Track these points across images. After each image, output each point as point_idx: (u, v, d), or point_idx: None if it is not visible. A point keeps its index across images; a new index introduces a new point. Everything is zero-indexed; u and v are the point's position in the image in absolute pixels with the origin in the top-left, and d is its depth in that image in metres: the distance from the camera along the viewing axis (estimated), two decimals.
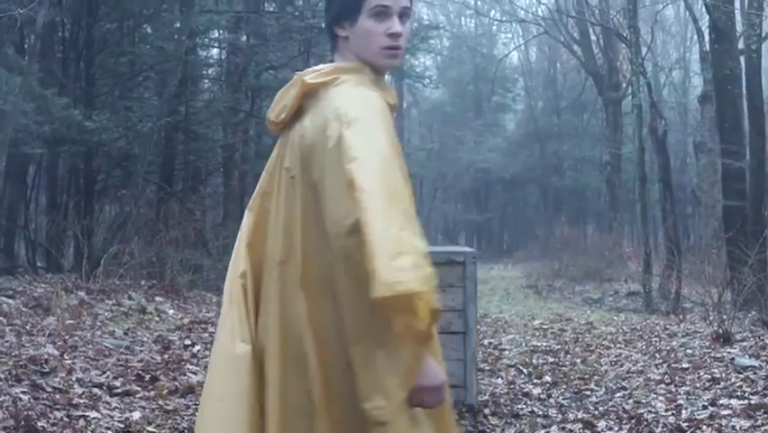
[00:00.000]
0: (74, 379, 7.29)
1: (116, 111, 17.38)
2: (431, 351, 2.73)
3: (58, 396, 6.65)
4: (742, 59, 16.25)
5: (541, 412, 7.16)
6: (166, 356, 8.90)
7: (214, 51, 25.42)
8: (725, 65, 15.87)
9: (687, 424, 6.19)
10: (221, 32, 22.65)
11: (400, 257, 2.50)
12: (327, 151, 2.72)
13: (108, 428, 6.04)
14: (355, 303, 2.65)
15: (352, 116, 2.72)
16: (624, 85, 31.85)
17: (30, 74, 14.36)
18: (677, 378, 8.08)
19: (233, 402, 2.96)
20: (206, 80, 24.27)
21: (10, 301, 11.06)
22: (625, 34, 22.00)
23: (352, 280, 2.62)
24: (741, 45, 17.31)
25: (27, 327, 9.43)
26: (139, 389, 7.39)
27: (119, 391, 7.22)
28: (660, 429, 6.14)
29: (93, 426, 6.04)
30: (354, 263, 2.58)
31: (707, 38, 19.40)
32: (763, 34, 18.19)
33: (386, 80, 3.13)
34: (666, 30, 41.32)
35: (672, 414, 6.60)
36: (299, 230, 2.90)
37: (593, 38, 33.99)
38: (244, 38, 21.54)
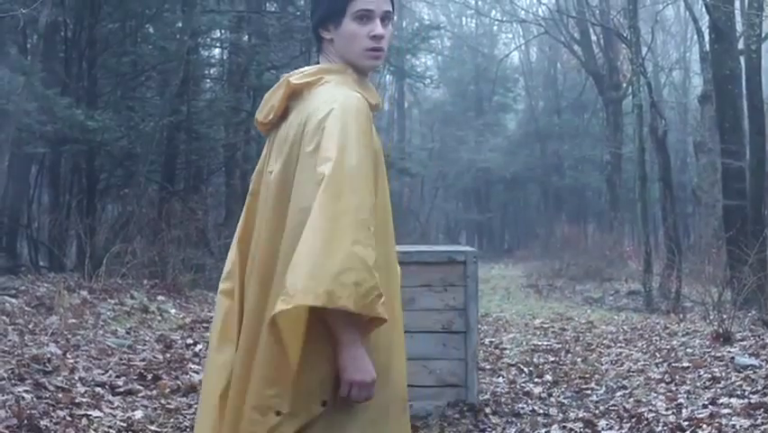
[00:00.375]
0: (76, 378, 7.30)
1: (119, 110, 17.39)
2: (366, 347, 2.84)
3: (60, 395, 6.65)
4: (742, 59, 16.25)
5: (542, 411, 7.17)
6: (168, 355, 8.91)
7: (216, 51, 25.42)
8: (725, 65, 15.86)
9: (687, 423, 6.19)
10: (223, 31, 22.66)
11: (347, 273, 2.65)
12: (305, 153, 2.87)
13: (111, 427, 6.05)
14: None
15: (331, 121, 2.84)
16: (624, 85, 31.82)
17: (32, 74, 14.36)
18: (677, 377, 8.08)
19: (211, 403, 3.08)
20: (208, 80, 24.27)
21: (13, 300, 11.07)
22: (625, 34, 21.99)
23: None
24: (741, 45, 17.30)
25: (30, 327, 9.43)
26: (141, 388, 7.40)
27: (121, 389, 7.23)
28: (660, 428, 6.14)
29: (95, 425, 6.05)
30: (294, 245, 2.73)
31: (707, 38, 19.39)
32: (763, 35, 18.18)
33: (368, 80, 3.20)
34: (666, 30, 41.32)
35: (673, 413, 6.60)
36: (266, 228, 3.02)
37: (593, 38, 33.97)
38: (246, 38, 21.54)
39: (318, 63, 3.18)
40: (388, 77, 38.03)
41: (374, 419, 2.93)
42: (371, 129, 2.96)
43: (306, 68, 3.14)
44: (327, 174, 2.75)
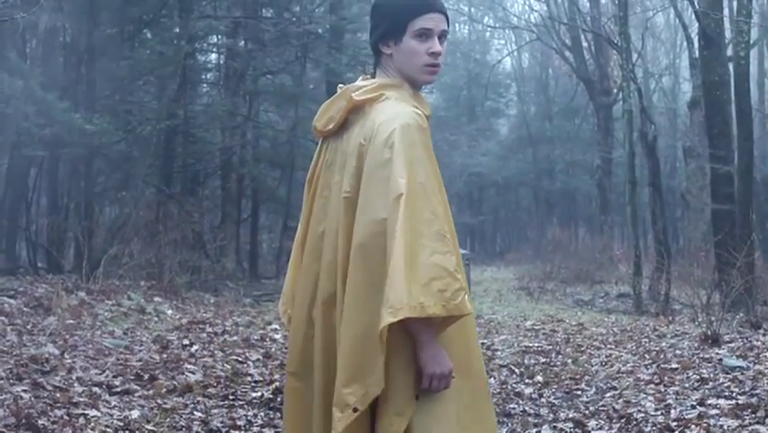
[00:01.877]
0: (74, 378, 7.28)
1: (116, 114, 17.39)
2: (440, 341, 3.03)
3: (58, 394, 6.64)
4: (730, 65, 16.29)
5: (532, 412, 7.17)
6: (164, 356, 8.90)
7: (213, 56, 25.44)
8: (714, 71, 15.88)
9: (676, 423, 6.20)
10: (219, 37, 22.66)
11: (432, 283, 2.88)
12: (373, 165, 3.04)
13: (108, 427, 6.04)
14: (360, 287, 3.01)
15: (398, 138, 3.01)
16: (615, 90, 31.85)
17: (31, 78, 14.36)
18: (666, 378, 8.08)
19: None
20: (205, 84, 24.29)
21: (11, 301, 11.06)
22: (616, 41, 21.98)
23: (364, 272, 2.99)
24: (730, 52, 17.35)
25: (28, 327, 9.43)
26: (138, 388, 7.38)
27: (118, 389, 7.21)
28: (649, 429, 6.15)
29: (92, 424, 6.04)
30: (370, 253, 2.97)
31: (696, 45, 19.44)
32: (752, 41, 18.21)
33: (421, 93, 3.36)
34: (656, 36, 41.40)
35: (662, 414, 6.61)
36: (344, 235, 3.14)
37: (585, 44, 33.99)
38: (242, 43, 21.57)
39: (375, 75, 3.32)
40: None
41: (468, 405, 3.10)
42: (430, 142, 3.16)
43: (366, 82, 3.28)
44: (405, 192, 2.93)
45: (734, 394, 7.03)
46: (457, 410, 3.06)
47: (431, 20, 3.23)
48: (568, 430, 6.28)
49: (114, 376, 7.61)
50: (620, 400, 7.32)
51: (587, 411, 7.04)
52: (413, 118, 3.08)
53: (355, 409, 2.96)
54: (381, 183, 2.99)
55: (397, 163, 2.98)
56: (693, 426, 6.04)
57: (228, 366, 8.59)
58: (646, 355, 9.71)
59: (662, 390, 7.60)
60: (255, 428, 6.51)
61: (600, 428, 6.35)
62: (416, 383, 3.00)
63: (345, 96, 3.25)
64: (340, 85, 3.35)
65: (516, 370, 9.27)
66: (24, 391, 6.53)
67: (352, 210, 3.09)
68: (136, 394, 7.19)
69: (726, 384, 7.47)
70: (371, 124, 3.11)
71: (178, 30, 17.96)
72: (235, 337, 10.63)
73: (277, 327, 11.74)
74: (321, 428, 3.17)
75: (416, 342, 2.98)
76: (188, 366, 8.46)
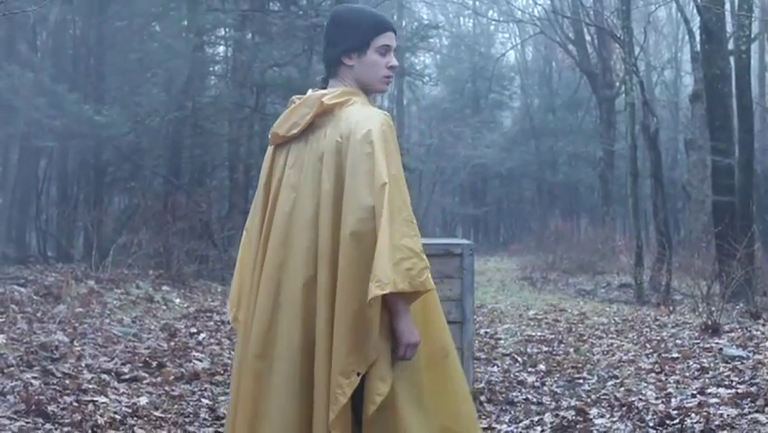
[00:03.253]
0: (83, 365, 7.29)
1: (125, 106, 17.40)
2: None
3: (67, 381, 6.65)
4: (732, 59, 16.24)
5: (535, 400, 7.17)
6: (172, 344, 8.92)
7: (221, 49, 25.40)
8: (715, 65, 15.85)
9: (676, 412, 6.19)
10: (227, 30, 22.61)
11: (401, 262, 3.21)
12: (356, 158, 3.34)
13: (116, 413, 6.04)
14: (353, 271, 3.29)
15: (376, 136, 3.35)
16: (617, 83, 31.76)
17: (42, 70, 14.37)
18: (667, 367, 8.08)
19: None
20: (213, 77, 24.24)
21: (22, 290, 11.09)
22: (618, 34, 21.94)
23: (359, 254, 3.27)
24: (731, 46, 17.30)
25: (38, 315, 9.44)
26: (146, 375, 7.39)
27: (127, 376, 7.22)
28: (650, 417, 6.14)
29: (101, 410, 6.04)
30: (361, 239, 3.26)
31: (698, 38, 19.40)
32: (753, 35, 18.17)
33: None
34: (658, 30, 41.27)
35: (662, 402, 6.60)
36: (329, 223, 3.43)
37: (588, 38, 33.92)
38: (249, 36, 21.52)
39: (326, 86, 3.66)
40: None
41: (407, 364, 3.42)
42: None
43: (330, 90, 3.59)
44: (388, 183, 3.27)
45: (733, 383, 7.03)
46: (400, 367, 3.39)
47: (390, 38, 3.63)
48: (570, 418, 6.27)
49: (122, 363, 7.62)
50: (621, 389, 7.32)
51: (589, 400, 7.04)
52: (384, 119, 3.44)
53: (358, 374, 3.28)
54: (365, 175, 3.30)
55: (378, 157, 3.31)
56: (693, 414, 6.03)
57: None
58: (647, 345, 9.70)
59: (663, 379, 7.60)
60: None
61: (602, 416, 6.34)
62: (392, 352, 3.35)
63: (311, 102, 3.56)
64: (294, 97, 3.68)
65: (519, 358, 9.27)
66: (34, 377, 6.54)
67: (336, 200, 3.39)
68: (144, 381, 7.20)
69: (725, 373, 7.47)
70: (347, 124, 3.43)
71: (186, 23, 17.97)
72: None
73: None
74: (300, 399, 3.41)
75: (394, 314, 3.33)
76: (196, 354, 8.47)
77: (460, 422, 3.58)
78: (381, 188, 3.26)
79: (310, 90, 3.69)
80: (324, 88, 3.64)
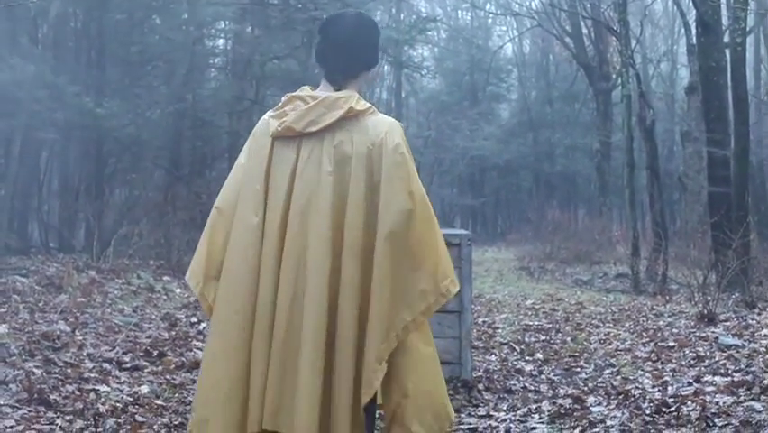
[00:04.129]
0: (85, 354, 7.30)
1: (126, 98, 17.37)
2: None
3: (69, 370, 6.65)
4: (727, 51, 16.20)
5: (532, 388, 7.17)
6: (173, 333, 8.92)
7: (221, 42, 25.37)
8: (711, 57, 15.82)
9: (672, 400, 6.19)
10: (227, 22, 22.60)
11: (446, 279, 3.65)
12: (395, 165, 3.59)
13: (118, 401, 6.05)
14: (392, 271, 3.54)
15: (405, 147, 3.65)
16: (614, 76, 31.77)
17: (43, 62, 14.34)
18: (663, 356, 8.08)
19: None
20: (213, 69, 24.21)
21: (24, 280, 11.09)
22: (615, 27, 21.90)
23: (395, 251, 3.52)
24: (726, 38, 17.27)
25: (40, 305, 9.45)
26: (147, 364, 7.40)
27: (128, 365, 7.23)
28: (646, 405, 6.14)
29: (103, 399, 6.05)
30: (400, 239, 3.52)
31: (694, 31, 19.35)
32: (748, 28, 18.15)
33: None
34: (655, 23, 41.24)
35: (659, 390, 6.60)
36: (360, 213, 3.62)
37: (584, 31, 33.89)
38: (249, 29, 21.51)
39: (339, 88, 3.80)
40: (386, 67, 37.94)
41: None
42: None
43: (345, 93, 3.74)
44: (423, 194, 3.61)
45: (729, 372, 7.03)
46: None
47: None
48: (567, 406, 6.27)
49: (123, 353, 7.63)
50: (618, 377, 7.32)
51: (586, 388, 7.04)
52: (402, 130, 3.73)
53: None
54: (401, 181, 3.55)
55: (410, 165, 3.61)
56: (689, 402, 6.03)
57: None
58: (644, 334, 9.70)
59: (660, 367, 7.60)
60: None
61: (599, 404, 6.34)
62: None
63: (330, 104, 3.68)
64: (292, 95, 3.81)
65: (517, 347, 9.27)
66: (36, 366, 6.55)
67: (369, 202, 3.58)
68: (145, 370, 7.20)
69: (721, 362, 7.47)
70: (375, 132, 3.65)
71: (186, 16, 17.93)
72: None
73: None
74: (321, 382, 3.51)
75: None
76: (196, 343, 8.47)
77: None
78: (422, 196, 3.59)
79: (307, 87, 3.83)
80: (339, 90, 3.78)
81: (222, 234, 3.81)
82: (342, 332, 3.52)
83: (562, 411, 6.15)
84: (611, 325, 10.77)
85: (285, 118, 3.74)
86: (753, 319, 9.86)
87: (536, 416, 6.15)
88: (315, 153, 3.67)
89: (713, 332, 9.09)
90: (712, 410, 5.76)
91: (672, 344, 8.73)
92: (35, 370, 6.41)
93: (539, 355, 8.74)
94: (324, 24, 3.95)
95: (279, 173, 3.72)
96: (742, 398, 6.09)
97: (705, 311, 10.09)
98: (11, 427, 5.18)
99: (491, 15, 46.30)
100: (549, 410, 6.23)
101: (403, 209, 3.52)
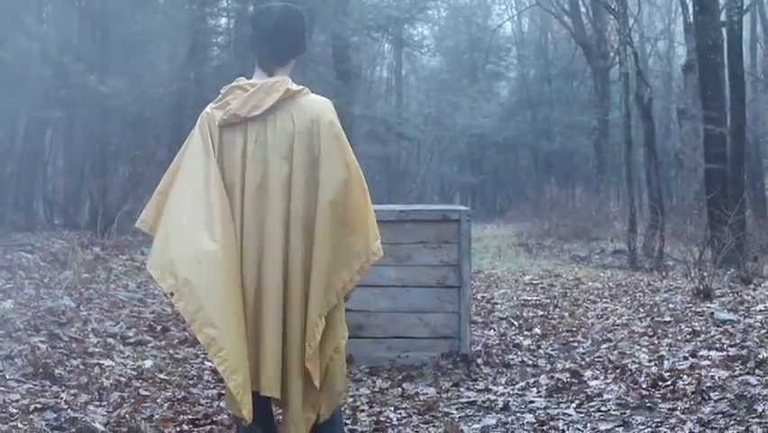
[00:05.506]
0: (89, 329, 7.31)
1: (130, 77, 17.33)
2: None
3: (74, 345, 6.66)
4: (724, 30, 16.15)
5: (531, 362, 7.17)
6: (176, 308, 8.91)
7: (223, 20, 25.30)
8: (708, 36, 15.76)
9: (668, 374, 6.20)
10: (229, 1, 22.53)
11: (376, 240, 3.99)
12: (331, 138, 3.93)
13: (122, 375, 6.06)
14: (332, 235, 3.89)
15: (337, 122, 3.99)
16: (611, 54, 31.72)
17: (47, 41, 14.30)
18: (659, 331, 8.08)
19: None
20: (215, 48, 24.15)
21: (29, 256, 11.09)
22: (613, 6, 21.82)
23: (334, 217, 3.88)
24: (723, 17, 17.21)
25: (45, 281, 9.45)
26: (151, 339, 7.42)
27: (132, 340, 7.25)
28: (643, 379, 6.14)
29: (107, 373, 6.06)
30: (338, 206, 3.87)
31: (691, 10, 19.31)
32: (744, 6, 18.08)
33: None
34: (652, 2, 41.07)
35: (655, 364, 6.60)
36: (302, 192, 3.95)
37: (583, 9, 33.84)
38: (251, 8, 21.41)
39: (272, 74, 4.09)
40: (387, 45, 37.94)
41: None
42: None
43: (278, 78, 4.05)
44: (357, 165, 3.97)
45: (724, 346, 7.04)
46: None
47: None
48: (565, 380, 6.28)
49: (127, 328, 7.65)
50: (615, 352, 7.32)
51: (583, 362, 7.04)
52: (332, 105, 4.05)
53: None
54: (338, 152, 3.91)
55: (344, 139, 3.96)
56: (685, 376, 6.04)
57: None
58: (640, 309, 9.70)
59: (656, 342, 7.61)
60: None
61: (596, 378, 6.35)
62: None
63: (268, 88, 3.97)
64: (235, 85, 4.10)
65: (515, 322, 9.27)
66: (42, 341, 6.56)
67: (309, 173, 3.91)
68: (149, 345, 7.22)
69: (717, 337, 7.48)
70: (312, 110, 3.97)
71: None
72: None
73: None
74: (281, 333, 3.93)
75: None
76: None
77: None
78: (356, 167, 3.95)
79: (242, 78, 4.15)
80: (272, 76, 4.07)
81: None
82: (293, 289, 3.91)
83: (560, 385, 6.16)
84: (608, 300, 10.77)
85: (229, 107, 4.00)
86: (748, 295, 9.87)
87: (534, 390, 6.15)
88: (261, 135, 3.97)
89: (709, 307, 9.09)
90: (708, 384, 5.77)
91: (668, 319, 8.73)
92: (40, 345, 6.42)
93: (537, 330, 8.74)
94: (254, 16, 4.25)
95: (231, 156, 3.99)
96: (737, 372, 6.10)
97: (701, 287, 10.09)
98: (16, 400, 5.19)
99: None
100: (547, 384, 6.23)
101: (341, 179, 3.88)
